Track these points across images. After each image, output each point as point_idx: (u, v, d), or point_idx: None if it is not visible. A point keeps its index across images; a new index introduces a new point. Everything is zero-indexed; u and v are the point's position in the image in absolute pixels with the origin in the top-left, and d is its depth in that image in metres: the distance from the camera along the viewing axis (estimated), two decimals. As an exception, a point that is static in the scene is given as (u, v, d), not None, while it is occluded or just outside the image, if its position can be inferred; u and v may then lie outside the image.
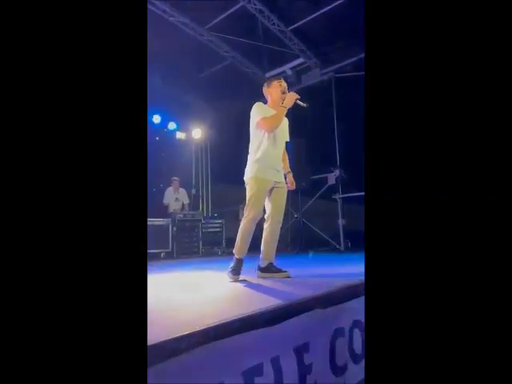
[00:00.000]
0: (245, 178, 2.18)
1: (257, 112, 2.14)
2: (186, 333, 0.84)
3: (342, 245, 5.00)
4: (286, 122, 2.31)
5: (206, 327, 0.90)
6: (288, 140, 2.36)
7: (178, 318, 1.14)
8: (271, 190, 2.17)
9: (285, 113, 2.15)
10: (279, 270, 2.12)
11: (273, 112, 2.15)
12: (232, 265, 2.10)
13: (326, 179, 5.28)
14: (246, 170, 2.19)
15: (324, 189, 5.29)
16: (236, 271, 2.08)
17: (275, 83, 2.27)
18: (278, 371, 1.06)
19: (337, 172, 5.13)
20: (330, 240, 5.17)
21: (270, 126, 2.11)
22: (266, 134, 2.14)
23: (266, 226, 2.19)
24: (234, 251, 2.16)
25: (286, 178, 2.32)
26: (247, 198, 2.12)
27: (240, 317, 1.01)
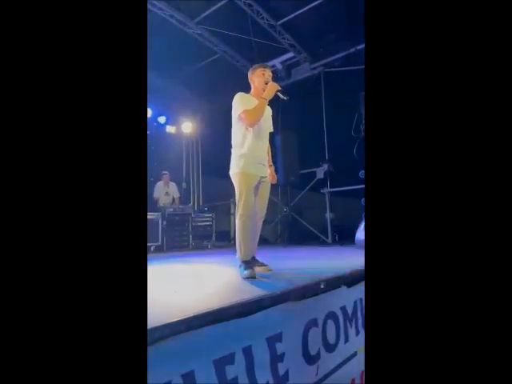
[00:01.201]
0: (231, 173, 2.13)
1: (239, 104, 2.07)
2: (157, 325, 0.89)
3: (330, 238, 5.09)
4: (269, 112, 2.25)
5: (176, 319, 0.95)
6: (272, 131, 2.31)
7: (151, 311, 1.20)
8: (257, 184, 2.14)
9: (266, 104, 2.08)
10: (261, 264, 2.14)
11: (254, 102, 2.08)
12: (241, 268, 1.97)
13: (314, 173, 5.34)
14: (231, 164, 2.14)
15: (313, 183, 5.35)
16: (248, 268, 1.93)
17: (258, 71, 2.20)
18: (249, 360, 1.12)
19: (325, 166, 5.20)
20: (318, 233, 5.25)
21: (251, 119, 2.04)
22: (250, 128, 2.08)
23: (252, 220, 2.11)
24: (237, 257, 2.04)
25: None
26: (237, 196, 2.07)
27: (210, 310, 1.06)
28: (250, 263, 2.00)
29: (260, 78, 2.17)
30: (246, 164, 2.07)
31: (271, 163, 2.33)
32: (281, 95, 2.12)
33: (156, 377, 0.85)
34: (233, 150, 2.16)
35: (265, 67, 2.23)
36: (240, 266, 2.00)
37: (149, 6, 4.35)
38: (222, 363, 1.02)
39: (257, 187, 2.15)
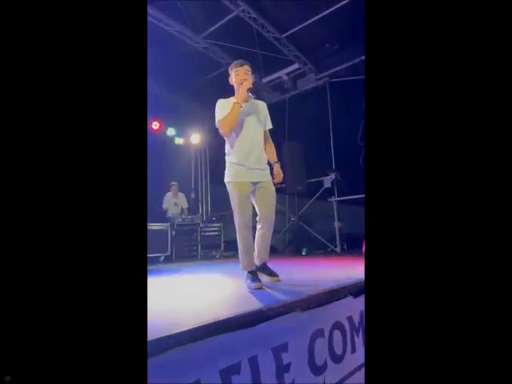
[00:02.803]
0: (225, 181, 2.05)
1: (216, 112, 1.98)
2: (164, 335, 0.92)
3: (339, 247, 5.06)
4: (262, 108, 2.12)
5: (183, 330, 0.97)
6: (271, 127, 2.16)
7: (155, 321, 1.23)
8: (254, 191, 2.02)
9: (238, 109, 1.91)
10: (271, 272, 2.09)
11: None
12: (248, 280, 1.94)
13: (321, 182, 5.35)
14: (225, 172, 2.06)
15: (320, 192, 5.36)
16: (255, 280, 1.91)
17: (233, 71, 2.04)
18: (255, 370, 1.14)
19: (332, 175, 5.21)
20: (326, 242, 5.23)
21: (224, 129, 1.93)
22: (236, 132, 1.98)
23: (258, 227, 2.08)
24: (241, 267, 2.01)
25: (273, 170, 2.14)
26: (232, 206, 2.01)
27: (216, 320, 1.09)
28: (255, 274, 1.96)
29: (235, 78, 2.04)
30: (236, 173, 1.98)
31: (276, 160, 2.16)
32: (250, 95, 1.99)
33: (164, 385, 0.87)
34: (226, 158, 2.08)
35: (240, 65, 2.04)
36: (247, 277, 1.98)
37: (156, 22, 4.50)
38: (227, 373, 1.04)
39: (254, 194, 2.03)
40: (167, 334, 0.94)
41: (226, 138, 2.07)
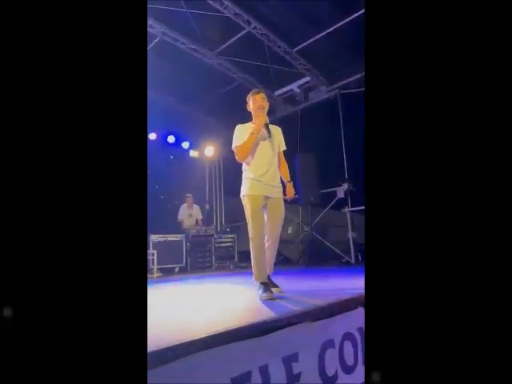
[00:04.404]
0: (241, 196, 2.22)
1: (234, 138, 2.17)
2: (176, 343, 0.97)
3: (353, 258, 5.03)
4: (277, 133, 2.31)
5: (194, 338, 1.03)
6: (285, 149, 2.36)
7: (168, 330, 1.28)
8: (265, 205, 2.18)
9: (254, 139, 2.11)
10: (274, 285, 2.17)
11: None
12: (260, 291, 2.01)
13: (335, 193, 5.35)
14: (241, 187, 2.23)
15: (333, 202, 5.36)
16: (266, 291, 1.98)
17: (251, 99, 2.24)
18: (266, 378, 1.17)
19: (345, 186, 5.21)
20: (340, 253, 5.20)
21: (240, 156, 2.14)
22: (251, 156, 2.15)
23: (265, 241, 2.19)
24: (253, 279, 2.10)
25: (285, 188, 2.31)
26: (247, 218, 2.15)
27: (228, 329, 1.14)
28: (267, 285, 2.04)
29: (253, 105, 2.23)
30: (250, 187, 2.15)
31: (289, 179, 2.35)
32: (266, 130, 2.17)
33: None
34: (243, 175, 2.26)
35: (256, 93, 2.25)
36: (259, 287, 2.05)
37: (172, 42, 4.69)
38: (239, 381, 1.09)
39: (265, 208, 2.19)
40: (180, 343, 0.99)
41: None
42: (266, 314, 1.47)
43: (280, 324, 1.33)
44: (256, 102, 2.22)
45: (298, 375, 1.28)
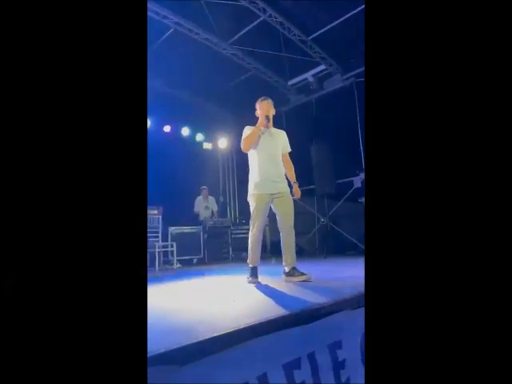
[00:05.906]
0: (248, 194, 2.47)
1: (243, 134, 2.47)
2: (225, 332, 0.98)
3: (371, 248, 5.00)
4: (282, 136, 2.55)
5: (245, 326, 1.03)
6: (290, 151, 2.59)
7: (209, 320, 1.29)
8: (272, 201, 2.39)
9: (258, 132, 2.41)
10: (301, 273, 2.29)
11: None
12: (249, 273, 2.39)
13: (351, 183, 5.30)
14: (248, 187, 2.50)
15: (350, 192, 5.31)
16: (254, 275, 2.37)
17: (258, 106, 2.51)
18: (314, 365, 1.17)
19: (362, 175, 5.15)
20: (357, 243, 5.18)
21: (244, 145, 2.43)
22: (257, 153, 2.42)
23: (280, 234, 2.41)
24: (248, 261, 2.43)
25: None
26: (251, 214, 2.42)
27: (276, 316, 1.14)
28: (255, 271, 2.38)
29: (260, 111, 2.49)
30: (255, 187, 2.41)
31: (295, 180, 2.57)
32: (266, 120, 2.43)
33: (235, 376, 0.93)
34: (249, 177, 2.51)
35: (263, 100, 2.51)
36: (248, 270, 2.38)
37: (185, 31, 4.66)
38: (290, 367, 1.09)
39: (274, 204, 2.41)
40: (229, 331, 1.00)
41: (249, 159, 2.51)
42: (304, 303, 1.47)
43: (322, 312, 1.33)
44: (262, 108, 2.47)
45: (343, 362, 1.28)
